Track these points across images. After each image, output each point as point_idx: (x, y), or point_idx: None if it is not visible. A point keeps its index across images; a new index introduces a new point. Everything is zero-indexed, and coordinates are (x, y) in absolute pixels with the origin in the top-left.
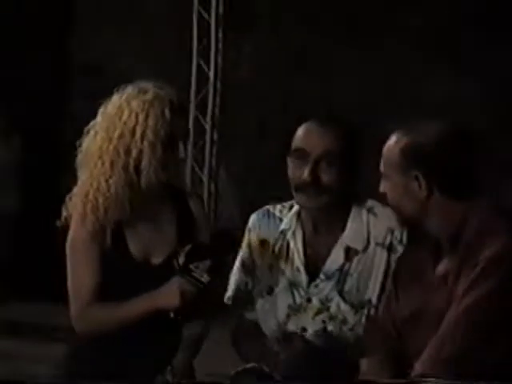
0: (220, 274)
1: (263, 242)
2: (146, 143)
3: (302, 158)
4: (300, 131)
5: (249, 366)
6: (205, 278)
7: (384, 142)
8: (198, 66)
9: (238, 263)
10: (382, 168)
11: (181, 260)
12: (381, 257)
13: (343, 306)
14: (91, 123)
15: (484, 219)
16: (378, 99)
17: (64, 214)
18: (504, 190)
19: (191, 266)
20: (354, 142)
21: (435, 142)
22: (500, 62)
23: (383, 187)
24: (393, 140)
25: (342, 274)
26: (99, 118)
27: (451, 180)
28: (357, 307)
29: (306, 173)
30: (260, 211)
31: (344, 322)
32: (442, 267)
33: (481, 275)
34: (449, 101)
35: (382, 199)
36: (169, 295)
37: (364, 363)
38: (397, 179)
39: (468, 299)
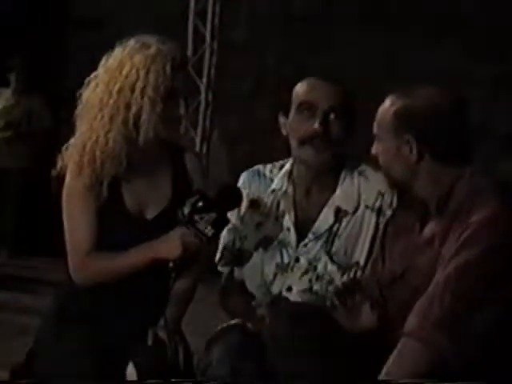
0: (223, 228)
1: (253, 202)
2: (145, 99)
3: (310, 110)
4: (303, 86)
5: (233, 322)
6: (209, 231)
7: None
8: (195, 26)
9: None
10: (375, 130)
11: (186, 210)
12: (370, 220)
13: (330, 266)
14: (92, 74)
15: (473, 185)
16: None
17: (59, 163)
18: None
19: (196, 217)
20: (354, 98)
21: (428, 106)
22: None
23: (375, 149)
24: (387, 102)
25: (331, 234)
26: (100, 70)
27: (442, 145)
28: (344, 268)
29: (316, 124)
30: (250, 171)
31: (330, 282)
32: (428, 230)
33: (470, 238)
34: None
35: (373, 162)
36: (172, 245)
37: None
38: (389, 142)
39: (457, 261)
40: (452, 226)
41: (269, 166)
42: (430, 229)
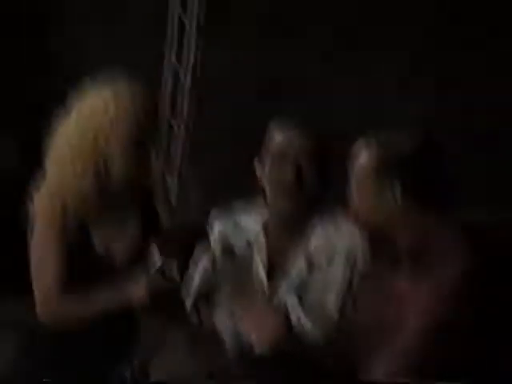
0: (186, 270)
1: (226, 249)
2: (118, 148)
3: (283, 160)
4: (277, 136)
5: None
6: (176, 276)
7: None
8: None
9: (199, 269)
10: (354, 182)
11: (153, 257)
12: (344, 271)
13: (304, 319)
14: (64, 119)
15: (450, 236)
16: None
17: (29, 208)
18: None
19: (163, 264)
20: (329, 145)
21: (410, 152)
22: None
23: (356, 197)
24: (365, 153)
25: (305, 286)
26: (73, 115)
27: (424, 191)
28: (317, 324)
29: (289, 175)
30: (224, 215)
31: (303, 333)
32: (400, 282)
33: (441, 293)
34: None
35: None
36: (139, 291)
37: None
38: (368, 188)
39: (428, 317)
40: (423, 279)
41: (243, 216)
42: (402, 280)
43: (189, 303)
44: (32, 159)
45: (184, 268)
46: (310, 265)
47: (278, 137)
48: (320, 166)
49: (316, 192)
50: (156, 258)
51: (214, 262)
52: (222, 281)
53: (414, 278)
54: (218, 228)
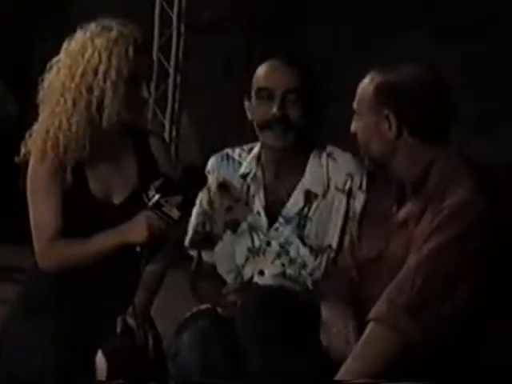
0: (189, 210)
1: (222, 185)
2: (108, 82)
3: (268, 95)
4: (262, 70)
5: (203, 307)
6: (174, 214)
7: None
8: (162, 8)
9: (196, 206)
10: (354, 106)
11: (151, 194)
12: (340, 202)
13: (302, 249)
14: (54, 59)
15: (450, 167)
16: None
17: (23, 150)
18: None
19: (161, 201)
20: (316, 80)
21: (409, 83)
22: None
23: (354, 126)
24: (367, 78)
25: (302, 217)
26: (62, 54)
27: (421, 123)
28: (316, 251)
29: (274, 109)
30: (219, 155)
31: (303, 266)
32: (403, 211)
33: (444, 222)
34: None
35: (346, 144)
36: (138, 229)
37: (324, 310)
38: (368, 118)
39: (430, 245)
40: (426, 208)
41: (237, 150)
42: (405, 211)
43: (187, 242)
44: (26, 105)
45: (184, 205)
46: (307, 197)
47: (262, 71)
48: (307, 99)
49: (304, 126)
50: (152, 194)
51: (210, 199)
52: (218, 217)
53: (417, 210)
54: (211, 163)
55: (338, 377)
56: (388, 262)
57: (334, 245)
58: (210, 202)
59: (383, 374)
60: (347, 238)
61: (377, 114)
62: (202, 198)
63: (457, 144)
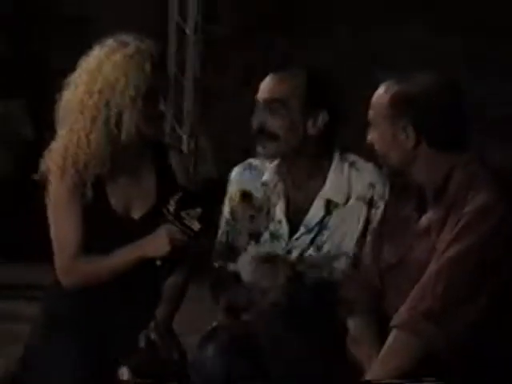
0: (210, 222)
1: (245, 195)
2: (126, 98)
3: (256, 107)
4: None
5: (227, 319)
6: (195, 226)
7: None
8: (176, 22)
9: (221, 218)
10: (370, 117)
11: (171, 207)
12: (361, 211)
13: (316, 256)
14: (71, 76)
15: (469, 173)
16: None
17: (42, 167)
18: (489, 147)
19: (182, 214)
20: (309, 88)
21: (425, 93)
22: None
23: (371, 137)
24: (382, 89)
25: (322, 226)
26: (79, 71)
27: (439, 132)
28: (332, 258)
29: (254, 120)
30: (242, 165)
31: (321, 269)
32: (425, 219)
33: (465, 228)
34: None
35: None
36: (159, 243)
37: (351, 323)
38: (385, 129)
39: (451, 251)
40: (448, 215)
41: (260, 159)
42: (427, 218)
43: (214, 253)
44: (44, 123)
45: (204, 218)
46: (327, 206)
47: (262, 83)
48: (293, 109)
49: (285, 138)
50: (172, 207)
51: (232, 210)
52: (242, 227)
53: (438, 217)
54: (235, 174)
55: None
56: (410, 269)
57: (351, 252)
58: (233, 213)
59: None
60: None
61: (393, 124)
62: (225, 208)
63: (474, 149)
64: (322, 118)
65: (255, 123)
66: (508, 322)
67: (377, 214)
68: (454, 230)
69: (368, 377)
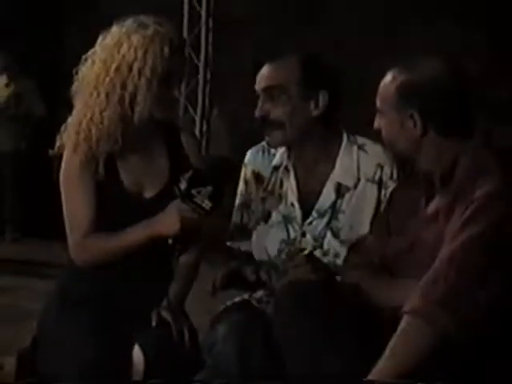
0: (221, 201)
1: (258, 176)
2: (142, 79)
3: (258, 98)
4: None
5: (238, 300)
6: (206, 204)
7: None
8: (190, 4)
9: (236, 200)
10: (377, 104)
11: (182, 185)
12: (371, 192)
13: (334, 242)
14: (89, 52)
15: (477, 159)
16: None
17: (58, 143)
18: (496, 133)
19: (193, 192)
20: (307, 71)
21: (431, 81)
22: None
23: (378, 123)
24: (389, 77)
25: (335, 211)
26: (98, 47)
27: (446, 120)
28: (349, 243)
29: (257, 111)
30: (255, 147)
31: (337, 255)
32: (433, 205)
33: (475, 213)
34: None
35: (375, 136)
36: (170, 221)
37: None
38: (392, 116)
39: (462, 237)
40: (456, 201)
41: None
42: (435, 204)
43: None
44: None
45: (215, 196)
46: (338, 190)
47: (259, 74)
48: (292, 94)
49: (291, 123)
50: (183, 185)
51: (246, 188)
52: (255, 208)
53: (446, 203)
54: (248, 156)
55: (376, 370)
56: (419, 255)
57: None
58: (248, 194)
59: (421, 369)
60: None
61: (401, 112)
62: (240, 190)
63: (483, 134)
64: (323, 97)
65: (258, 114)
66: None
67: (387, 194)
68: (464, 216)
69: (379, 365)
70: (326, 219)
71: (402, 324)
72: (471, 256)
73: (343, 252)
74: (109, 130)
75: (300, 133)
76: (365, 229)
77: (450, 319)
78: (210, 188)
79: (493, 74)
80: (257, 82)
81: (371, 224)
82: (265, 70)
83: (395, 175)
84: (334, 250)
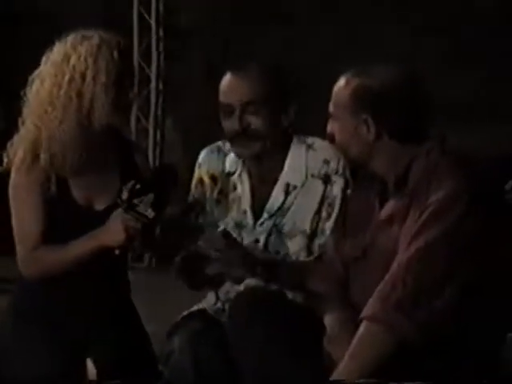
0: (163, 208)
1: (212, 177)
2: (98, 85)
3: (229, 111)
4: (222, 84)
5: (194, 309)
6: (149, 213)
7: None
8: (140, 14)
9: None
10: (330, 108)
11: (124, 196)
12: (316, 188)
13: (277, 239)
14: (34, 73)
15: (430, 163)
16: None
17: (5, 160)
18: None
19: (135, 201)
20: (278, 84)
21: (385, 86)
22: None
23: (331, 127)
24: (343, 81)
25: (282, 210)
26: (44, 66)
27: (400, 124)
28: (290, 236)
29: (235, 125)
30: (209, 147)
31: (277, 252)
32: (387, 208)
33: (432, 218)
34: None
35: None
36: (113, 231)
37: (327, 320)
38: (345, 121)
39: (419, 242)
40: (411, 205)
41: (228, 143)
42: (389, 208)
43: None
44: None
45: (158, 203)
46: (287, 190)
47: (222, 87)
48: (271, 105)
49: (270, 132)
50: (125, 195)
51: (202, 188)
52: (209, 206)
53: (401, 207)
54: (202, 156)
55: (335, 376)
56: (375, 260)
57: (308, 230)
58: (202, 194)
59: (379, 373)
60: (330, 226)
61: (354, 117)
62: (194, 191)
63: (437, 138)
64: (294, 108)
65: (239, 126)
66: (481, 311)
67: (332, 190)
68: (421, 220)
69: (339, 370)
70: (273, 219)
71: (361, 329)
72: (427, 263)
73: (284, 248)
74: (70, 142)
75: (274, 143)
76: (304, 224)
77: (407, 324)
78: (151, 196)
79: (443, 75)
80: (225, 94)
81: (313, 218)
82: (233, 83)
83: (341, 170)
84: (274, 246)
